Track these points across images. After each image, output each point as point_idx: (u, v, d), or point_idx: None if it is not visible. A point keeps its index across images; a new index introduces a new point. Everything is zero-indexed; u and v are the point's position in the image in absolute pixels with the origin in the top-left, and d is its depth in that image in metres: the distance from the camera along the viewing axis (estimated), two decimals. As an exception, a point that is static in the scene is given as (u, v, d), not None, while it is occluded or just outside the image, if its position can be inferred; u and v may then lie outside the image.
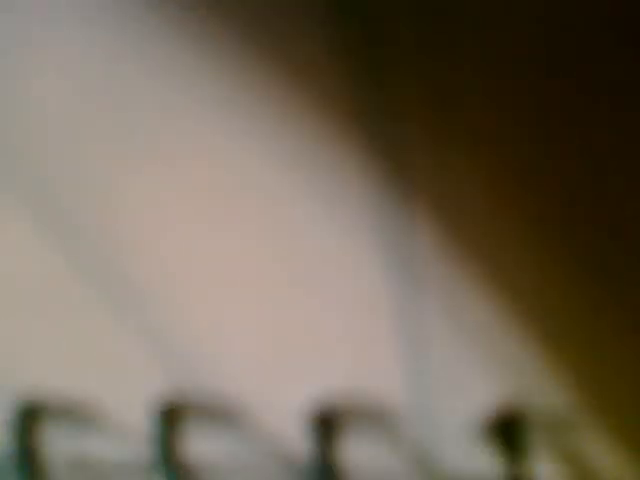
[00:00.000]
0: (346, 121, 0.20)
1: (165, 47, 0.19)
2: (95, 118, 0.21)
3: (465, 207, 0.21)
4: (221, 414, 0.30)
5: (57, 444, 0.33)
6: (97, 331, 0.27)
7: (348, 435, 0.30)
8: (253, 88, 0.19)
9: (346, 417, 0.29)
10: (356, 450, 0.31)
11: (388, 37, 0.18)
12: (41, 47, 0.19)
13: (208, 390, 0.29)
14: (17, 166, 0.22)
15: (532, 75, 0.18)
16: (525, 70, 0.18)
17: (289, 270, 0.24)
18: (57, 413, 0.31)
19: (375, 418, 0.29)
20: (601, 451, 0.29)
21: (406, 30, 0.18)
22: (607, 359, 0.26)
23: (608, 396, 0.27)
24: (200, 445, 0.32)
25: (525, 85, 0.18)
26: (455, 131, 0.20)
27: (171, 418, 0.30)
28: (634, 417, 0.28)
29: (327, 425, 0.29)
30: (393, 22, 0.17)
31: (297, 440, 0.31)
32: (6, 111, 0.21)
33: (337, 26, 0.18)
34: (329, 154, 0.21)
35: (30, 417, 0.31)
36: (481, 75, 0.18)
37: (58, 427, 0.32)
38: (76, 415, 0.31)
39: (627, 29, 0.17)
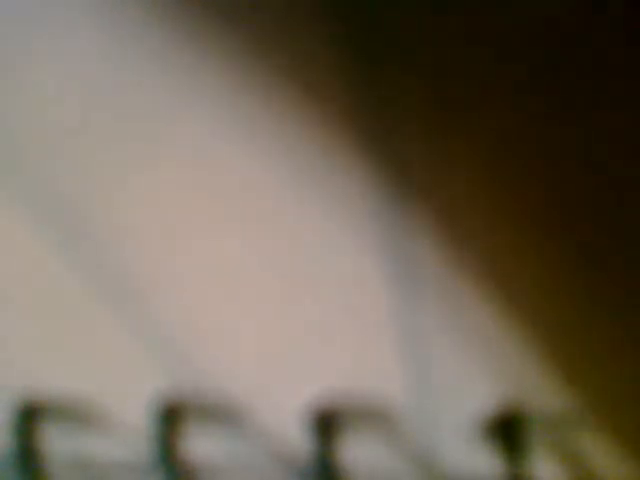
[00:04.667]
0: (346, 123, 0.20)
1: (164, 49, 0.19)
2: (96, 118, 0.21)
3: (465, 208, 0.21)
4: (221, 414, 0.30)
5: (57, 444, 0.33)
6: (97, 331, 0.27)
7: (348, 435, 0.30)
8: (253, 90, 0.19)
9: (346, 417, 0.29)
10: (356, 450, 0.31)
11: (388, 38, 0.18)
12: (41, 47, 0.19)
13: (208, 390, 0.29)
14: (17, 165, 0.22)
15: (534, 74, 0.18)
16: (527, 69, 0.18)
17: (289, 270, 0.24)
18: (57, 413, 0.31)
19: (375, 418, 0.29)
20: (601, 451, 0.29)
21: (407, 30, 0.18)
22: (607, 359, 0.26)
23: (608, 396, 0.27)
24: (200, 445, 0.32)
25: (527, 85, 0.18)
26: (456, 132, 0.20)
27: (171, 418, 0.30)
28: (634, 418, 0.28)
29: (327, 425, 0.29)
30: (393, 23, 0.17)
31: (297, 440, 0.31)
32: (6, 111, 0.21)
33: (339, 28, 0.18)
34: (329, 155, 0.21)
35: (30, 417, 0.31)
36: (483, 75, 0.18)
37: (58, 427, 0.32)
38: (76, 415, 0.31)
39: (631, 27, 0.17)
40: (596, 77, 0.18)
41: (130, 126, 0.21)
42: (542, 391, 0.27)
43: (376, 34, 0.18)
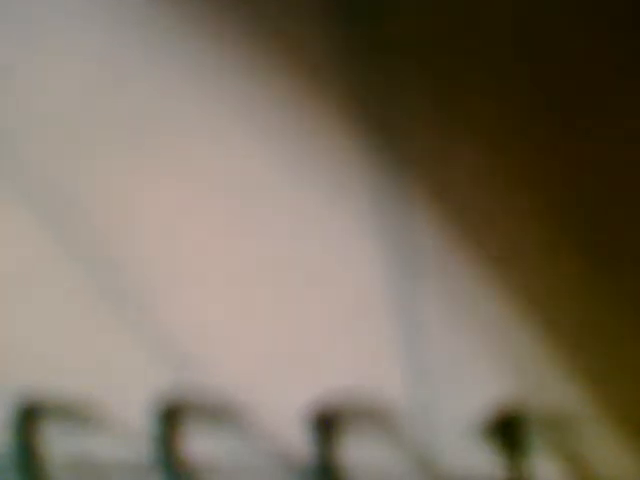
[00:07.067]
0: (347, 114, 0.20)
1: (168, 49, 0.19)
2: (96, 118, 0.21)
3: (467, 200, 0.21)
4: (221, 414, 0.30)
5: (57, 444, 0.33)
6: (97, 330, 0.27)
7: (348, 435, 0.30)
8: (253, 88, 0.19)
9: (346, 417, 0.29)
10: (356, 450, 0.31)
11: (389, 28, 0.18)
12: (42, 48, 0.19)
13: (208, 390, 0.29)
14: (18, 164, 0.22)
15: (534, 66, 0.18)
16: (527, 61, 0.18)
17: (289, 269, 0.24)
18: (57, 413, 0.31)
19: (375, 418, 0.29)
20: (602, 451, 0.29)
21: (407, 21, 0.18)
22: (609, 359, 0.26)
23: (610, 396, 0.27)
24: (200, 445, 0.32)
25: (527, 76, 0.18)
26: (456, 122, 0.20)
27: (171, 418, 0.30)
28: (636, 418, 0.28)
29: (327, 425, 0.29)
30: (394, 15, 0.17)
31: (297, 440, 0.31)
32: (7, 111, 0.21)
33: (338, 20, 0.18)
34: (330, 148, 0.21)
35: (30, 417, 0.31)
36: (483, 65, 0.18)
37: (58, 427, 0.32)
38: (76, 415, 0.31)
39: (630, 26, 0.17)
40: (599, 73, 0.18)
41: (131, 126, 0.21)
42: (543, 391, 0.27)
43: (378, 29, 0.18)
